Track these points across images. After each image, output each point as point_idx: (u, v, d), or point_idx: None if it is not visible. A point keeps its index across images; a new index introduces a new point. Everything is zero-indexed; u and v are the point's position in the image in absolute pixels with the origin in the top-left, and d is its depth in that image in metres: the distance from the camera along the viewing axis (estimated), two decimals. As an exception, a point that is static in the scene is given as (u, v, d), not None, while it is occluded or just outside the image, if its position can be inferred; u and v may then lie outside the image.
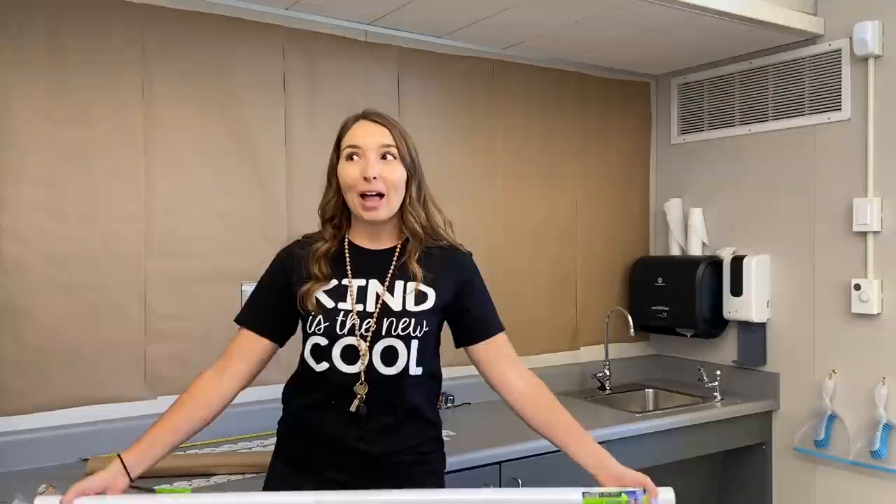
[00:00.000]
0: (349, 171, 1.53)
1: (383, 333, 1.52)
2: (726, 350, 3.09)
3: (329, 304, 1.54)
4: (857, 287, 2.61)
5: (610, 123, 3.24)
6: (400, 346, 1.53)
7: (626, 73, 3.28)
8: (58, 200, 2.09)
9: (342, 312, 1.53)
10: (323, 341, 1.52)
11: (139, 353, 2.21)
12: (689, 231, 3.17)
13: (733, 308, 2.94)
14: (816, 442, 2.72)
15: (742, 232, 3.03)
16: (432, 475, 1.61)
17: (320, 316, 1.52)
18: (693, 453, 2.72)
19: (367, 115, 1.59)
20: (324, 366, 1.53)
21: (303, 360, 1.57)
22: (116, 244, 2.17)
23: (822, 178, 2.76)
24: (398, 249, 1.60)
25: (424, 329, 1.55)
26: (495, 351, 1.62)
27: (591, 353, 3.15)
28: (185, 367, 2.26)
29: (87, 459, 1.99)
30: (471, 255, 1.67)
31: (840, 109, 2.69)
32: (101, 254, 2.14)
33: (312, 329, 1.53)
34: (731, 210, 3.08)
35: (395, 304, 1.54)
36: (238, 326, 1.60)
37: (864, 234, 2.61)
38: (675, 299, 3.05)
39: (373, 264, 1.58)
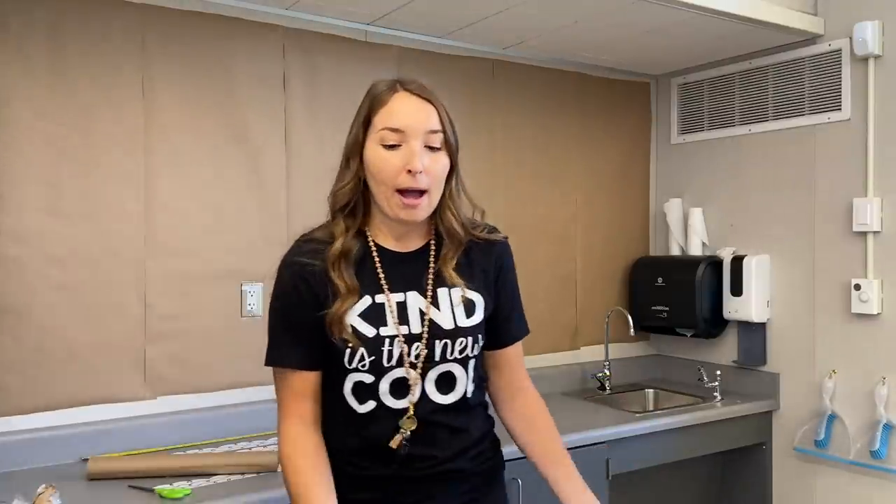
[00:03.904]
0: (388, 161, 1.25)
1: (437, 359, 1.30)
2: (726, 350, 3.09)
3: (369, 331, 1.27)
4: (857, 287, 2.61)
5: (610, 123, 3.24)
6: (458, 370, 1.33)
7: (626, 73, 3.28)
8: (58, 200, 2.08)
9: (387, 340, 1.27)
10: (368, 378, 1.28)
11: (139, 353, 2.20)
12: (689, 231, 3.17)
13: (733, 308, 2.94)
14: (816, 442, 2.72)
15: (742, 232, 3.03)
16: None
17: (362, 349, 1.26)
18: (693, 453, 2.72)
19: (406, 86, 1.29)
20: (370, 405, 1.30)
21: (339, 399, 1.32)
22: (116, 244, 2.17)
23: (822, 178, 2.75)
24: (432, 250, 1.36)
25: (480, 344, 1.35)
26: (516, 356, 1.46)
27: (591, 353, 3.15)
28: (185, 367, 2.26)
29: (87, 459, 1.99)
30: (506, 240, 1.44)
31: (840, 109, 2.69)
32: (101, 254, 2.14)
33: (354, 365, 1.27)
34: (731, 210, 3.07)
35: (445, 320, 1.31)
36: (272, 368, 1.35)
37: (864, 234, 2.61)
38: (675, 299, 3.05)
39: (407, 271, 1.33)
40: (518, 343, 1.46)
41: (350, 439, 1.32)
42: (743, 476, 3.00)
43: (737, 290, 2.92)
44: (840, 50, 2.68)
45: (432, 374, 1.30)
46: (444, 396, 1.32)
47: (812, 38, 2.75)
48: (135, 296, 2.20)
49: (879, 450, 2.52)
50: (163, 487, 1.81)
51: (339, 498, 1.27)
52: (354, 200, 1.32)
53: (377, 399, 1.29)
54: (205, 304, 2.30)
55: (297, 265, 1.30)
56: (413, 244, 1.35)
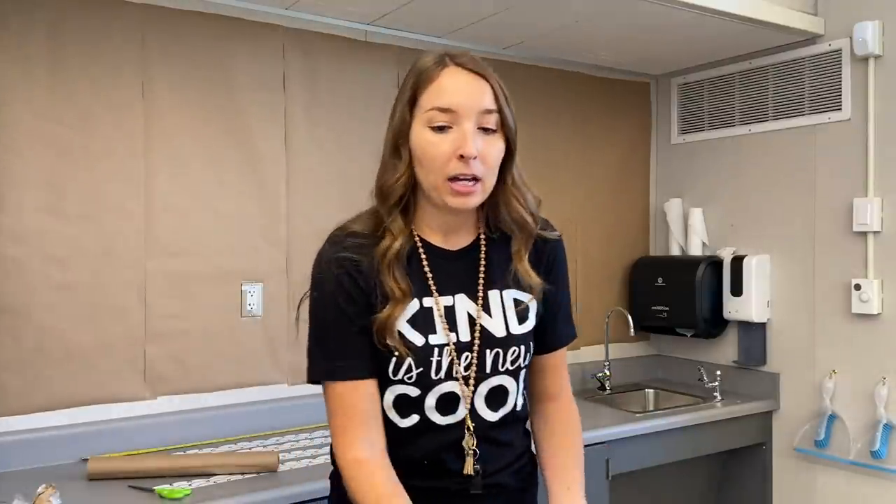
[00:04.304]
0: (437, 147, 1.11)
1: (488, 371, 1.18)
2: (726, 350, 3.08)
3: (418, 339, 1.14)
4: (858, 287, 2.61)
5: (610, 123, 3.24)
6: (510, 383, 1.21)
7: (626, 73, 3.28)
8: (58, 200, 2.08)
9: (436, 350, 1.15)
10: (413, 392, 1.15)
11: (139, 353, 2.20)
12: (689, 231, 3.16)
13: (733, 308, 2.94)
14: (816, 442, 2.72)
15: (742, 232, 3.03)
16: None
17: (410, 360, 1.13)
18: (693, 453, 2.72)
19: (456, 59, 1.14)
20: (412, 419, 1.17)
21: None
22: (116, 244, 2.17)
23: (822, 178, 2.75)
24: (483, 247, 1.22)
25: (531, 352, 1.24)
26: (559, 362, 1.32)
27: (591, 353, 3.15)
28: (184, 367, 2.26)
29: (87, 459, 1.98)
30: (560, 238, 1.30)
31: (840, 109, 2.69)
32: (101, 254, 2.14)
33: (400, 376, 1.14)
34: (731, 210, 3.07)
35: (497, 327, 1.19)
36: (324, 382, 1.17)
37: (865, 234, 2.61)
38: (675, 299, 3.05)
39: (456, 271, 1.20)
40: (563, 349, 1.32)
41: (397, 454, 1.18)
42: (743, 476, 3.00)
43: (737, 290, 2.92)
44: (840, 50, 2.67)
45: (483, 389, 1.18)
46: (493, 413, 1.20)
47: (812, 38, 2.75)
48: (135, 296, 2.20)
49: (879, 450, 2.52)
50: (163, 487, 1.80)
51: None
52: (408, 194, 1.17)
53: (421, 413, 1.17)
54: (205, 304, 2.30)
55: (346, 262, 1.15)
56: (462, 240, 1.22)
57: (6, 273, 2.02)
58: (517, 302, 1.22)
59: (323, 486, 1.88)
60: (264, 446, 2.20)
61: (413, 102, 1.14)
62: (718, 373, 2.93)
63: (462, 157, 1.10)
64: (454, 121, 1.11)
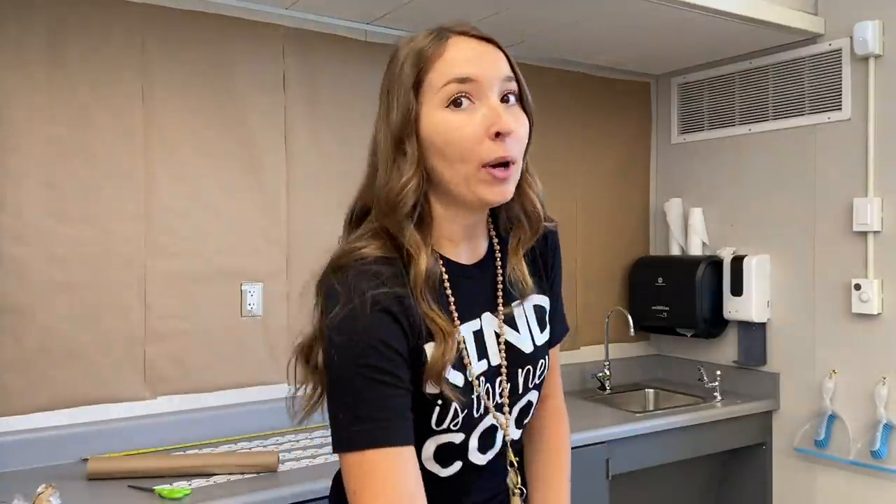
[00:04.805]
0: (463, 127, 0.92)
1: (520, 392, 1.06)
2: (726, 350, 3.08)
3: (458, 379, 0.97)
4: (858, 287, 2.61)
5: (610, 123, 3.24)
6: (535, 397, 1.10)
7: (626, 73, 3.28)
8: (58, 200, 2.08)
9: (474, 385, 0.99)
10: (458, 438, 0.99)
11: (139, 353, 2.20)
12: (690, 231, 3.16)
13: (733, 308, 2.94)
14: (816, 442, 2.72)
15: (742, 232, 3.03)
16: None
17: (455, 404, 0.96)
18: (693, 453, 2.72)
19: (458, 29, 0.99)
20: (455, 467, 1.01)
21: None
22: (116, 244, 2.17)
23: (822, 178, 2.75)
24: (497, 251, 1.07)
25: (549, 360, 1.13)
26: (555, 361, 1.21)
27: (591, 353, 3.15)
28: (185, 367, 2.26)
29: (87, 459, 1.98)
30: (556, 226, 1.17)
31: (840, 109, 2.69)
32: (101, 254, 2.14)
33: (445, 425, 0.96)
34: (731, 210, 3.07)
35: (525, 343, 1.06)
36: (352, 452, 0.90)
37: (865, 233, 2.61)
38: (676, 299, 3.05)
39: (479, 288, 1.04)
40: (556, 347, 1.19)
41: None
42: (743, 476, 3.00)
43: (737, 289, 2.92)
44: (840, 49, 2.67)
45: (515, 411, 1.05)
46: (518, 431, 1.08)
47: (812, 38, 2.75)
48: (135, 296, 2.20)
49: (880, 450, 2.52)
50: (163, 487, 1.80)
51: None
52: (421, 203, 0.96)
53: (464, 458, 1.01)
54: (205, 304, 2.30)
55: (385, 298, 0.91)
56: (479, 249, 1.05)
57: (7, 273, 2.02)
58: (537, 308, 1.09)
59: (323, 486, 1.88)
60: (264, 446, 2.20)
61: (418, 87, 0.95)
62: (718, 373, 2.92)
63: (498, 134, 0.91)
64: (476, 93, 0.93)
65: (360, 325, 0.89)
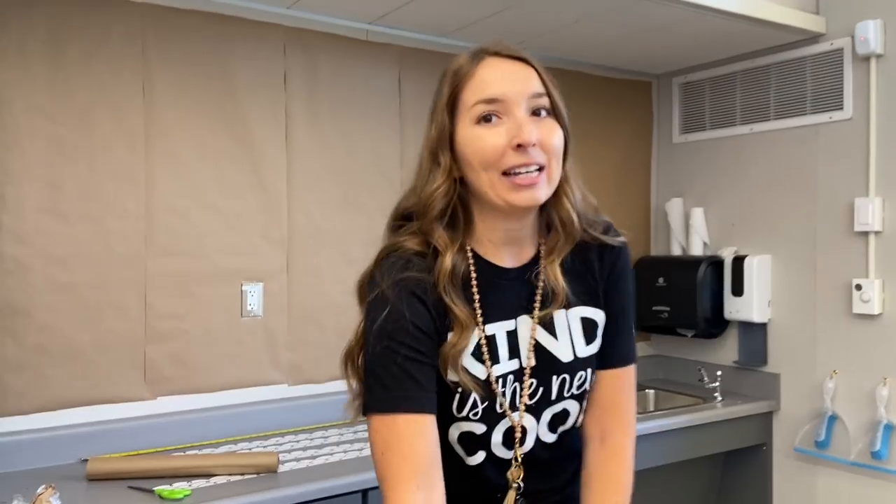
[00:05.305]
0: (489, 139, 1.02)
1: (553, 398, 1.10)
2: (727, 350, 3.08)
3: (480, 372, 1.06)
4: (859, 287, 2.61)
5: (611, 123, 3.24)
6: (573, 406, 1.12)
7: (627, 73, 3.28)
8: (58, 200, 2.08)
9: (500, 381, 1.07)
10: (479, 428, 1.07)
11: (139, 352, 2.20)
12: (691, 231, 3.16)
13: (734, 308, 2.93)
14: (817, 443, 2.71)
15: (743, 232, 3.03)
16: None
17: (475, 396, 1.05)
18: (693, 454, 2.72)
19: (493, 49, 1.06)
20: (479, 457, 1.09)
21: (442, 445, 1.06)
22: (116, 244, 2.17)
23: (823, 178, 2.75)
24: (542, 258, 1.12)
25: (595, 371, 1.14)
26: (615, 388, 1.15)
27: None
28: (185, 367, 2.26)
29: (86, 460, 1.98)
30: (625, 244, 1.18)
31: (842, 109, 2.68)
32: (101, 254, 2.14)
33: (465, 413, 1.06)
34: (732, 210, 3.07)
35: (564, 351, 1.10)
36: (377, 416, 1.01)
37: (866, 233, 2.61)
38: (676, 299, 3.04)
39: (518, 291, 1.10)
40: (620, 371, 1.15)
41: (461, 484, 1.09)
42: (743, 477, 2.99)
43: (738, 290, 2.91)
44: (842, 49, 2.67)
45: (546, 415, 1.10)
46: (553, 435, 1.12)
47: (814, 38, 2.75)
48: (135, 296, 2.20)
49: (880, 450, 2.52)
50: (162, 488, 1.80)
51: None
52: (452, 206, 1.07)
53: (488, 450, 1.09)
54: (205, 304, 2.30)
55: (412, 281, 1.04)
56: (526, 253, 1.11)
57: (7, 272, 2.02)
58: (585, 320, 1.11)
59: (323, 486, 1.89)
60: (264, 447, 2.20)
61: (453, 105, 1.06)
62: (719, 373, 2.92)
63: (520, 146, 1.00)
64: (504, 111, 1.02)
65: (391, 304, 1.02)
